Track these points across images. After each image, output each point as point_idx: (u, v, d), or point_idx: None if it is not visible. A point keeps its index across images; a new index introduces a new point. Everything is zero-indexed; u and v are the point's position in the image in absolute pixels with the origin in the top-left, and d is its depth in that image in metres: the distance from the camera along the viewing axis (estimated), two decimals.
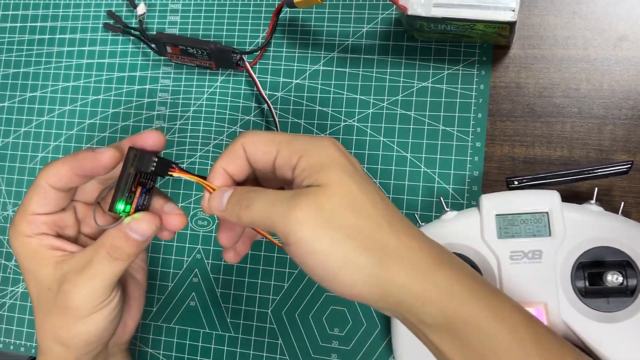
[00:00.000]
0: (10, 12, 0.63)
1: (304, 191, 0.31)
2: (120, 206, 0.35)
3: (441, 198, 0.47)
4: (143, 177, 0.36)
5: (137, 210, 0.36)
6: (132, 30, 0.58)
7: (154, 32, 0.57)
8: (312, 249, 0.30)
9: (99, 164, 0.35)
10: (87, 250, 0.36)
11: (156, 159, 0.35)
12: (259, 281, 0.53)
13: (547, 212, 0.43)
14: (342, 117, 0.53)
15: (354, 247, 0.30)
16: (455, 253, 0.44)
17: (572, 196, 0.48)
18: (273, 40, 0.56)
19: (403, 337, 0.45)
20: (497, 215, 0.43)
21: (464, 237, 0.44)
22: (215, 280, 0.54)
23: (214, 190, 0.35)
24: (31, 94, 0.61)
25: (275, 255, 0.53)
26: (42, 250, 0.37)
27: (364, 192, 0.31)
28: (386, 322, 0.50)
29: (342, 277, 0.30)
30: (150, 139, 0.36)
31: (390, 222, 0.31)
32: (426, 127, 0.51)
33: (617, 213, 0.43)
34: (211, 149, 0.56)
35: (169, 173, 0.36)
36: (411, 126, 0.52)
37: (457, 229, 0.44)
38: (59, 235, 0.38)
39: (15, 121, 0.61)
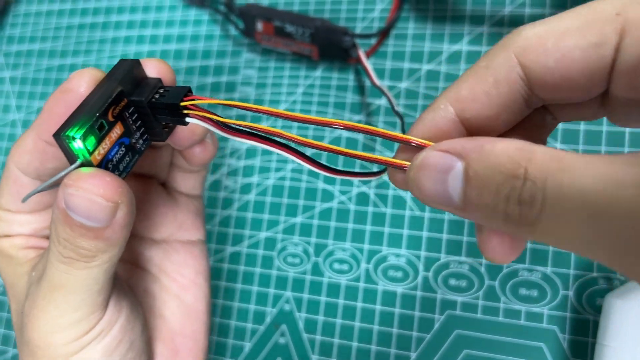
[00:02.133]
0: None
1: None
2: (73, 132, 0.18)
3: None
4: (130, 116, 0.20)
5: (103, 166, 0.20)
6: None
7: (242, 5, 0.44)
8: None
9: (75, 98, 0.20)
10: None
11: (162, 87, 0.20)
12: (372, 347, 0.37)
13: None
14: None
15: None
16: None
17: None
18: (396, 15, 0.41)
19: None
20: None
21: None
22: (311, 342, 0.39)
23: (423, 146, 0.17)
24: None
25: (397, 310, 0.37)
26: (14, 252, 0.24)
27: None
28: None
29: None
30: (151, 68, 0.21)
31: None
32: (627, 135, 0.35)
33: None
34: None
35: (186, 114, 0.20)
36: (604, 128, 0.36)
37: None
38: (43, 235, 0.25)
39: None
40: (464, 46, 0.39)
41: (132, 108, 0.20)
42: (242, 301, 0.40)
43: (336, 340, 0.38)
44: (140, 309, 0.26)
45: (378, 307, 0.38)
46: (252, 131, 0.20)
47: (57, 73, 0.49)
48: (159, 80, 0.21)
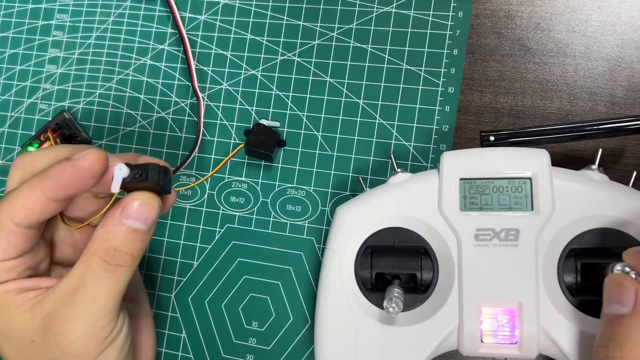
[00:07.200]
0: None
1: None
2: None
3: (392, 155, 0.34)
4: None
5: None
6: None
7: None
8: None
9: (85, 175, 0.25)
10: (72, 273, 0.27)
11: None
12: (162, 257, 0.41)
13: (530, 178, 0.31)
14: (280, 50, 0.41)
15: None
16: (401, 228, 0.32)
17: (569, 162, 0.36)
18: None
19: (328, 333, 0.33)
20: (461, 179, 0.31)
21: (416, 207, 0.32)
22: None
23: None
24: None
25: (185, 224, 0.41)
26: (10, 298, 0.27)
27: None
28: None
29: None
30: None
31: None
32: (385, 65, 0.39)
33: (628, 185, 0.31)
34: (114, 85, 0.44)
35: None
36: (366, 64, 0.40)
37: (408, 196, 0.32)
38: (30, 275, 0.28)
39: None
40: None
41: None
42: None
43: None
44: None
45: (168, 222, 0.42)
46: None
47: None
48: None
